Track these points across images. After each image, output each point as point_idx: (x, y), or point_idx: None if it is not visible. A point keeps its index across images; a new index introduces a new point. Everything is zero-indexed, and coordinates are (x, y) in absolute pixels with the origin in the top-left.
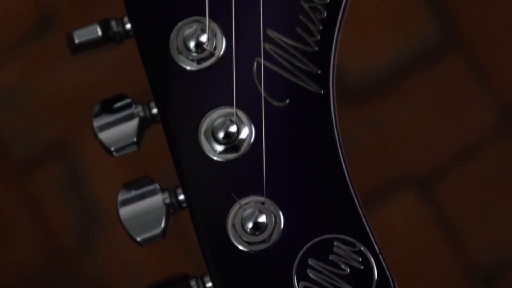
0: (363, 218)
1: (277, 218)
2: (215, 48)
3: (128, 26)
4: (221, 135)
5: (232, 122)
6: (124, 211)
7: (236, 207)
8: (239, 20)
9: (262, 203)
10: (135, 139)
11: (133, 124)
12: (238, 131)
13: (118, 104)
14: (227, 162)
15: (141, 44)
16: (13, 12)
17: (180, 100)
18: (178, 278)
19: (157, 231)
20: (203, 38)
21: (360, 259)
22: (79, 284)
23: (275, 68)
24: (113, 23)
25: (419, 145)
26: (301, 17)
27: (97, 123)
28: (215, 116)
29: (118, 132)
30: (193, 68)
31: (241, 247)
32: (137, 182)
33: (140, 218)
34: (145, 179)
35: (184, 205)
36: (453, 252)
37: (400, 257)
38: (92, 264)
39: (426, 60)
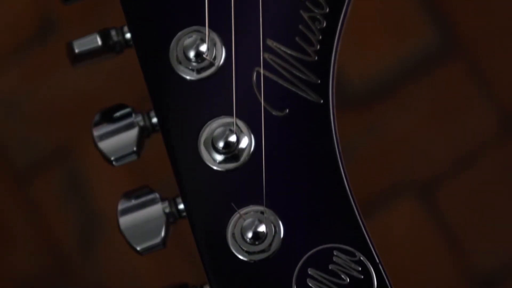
0: (363, 228)
1: (276, 227)
2: (214, 58)
3: (128, 35)
4: (221, 144)
5: (232, 132)
6: (124, 220)
7: (235, 216)
8: (239, 30)
9: (262, 212)
10: (135, 149)
11: (133, 133)
12: (238, 140)
13: (118, 114)
14: (227, 171)
15: (141, 54)
16: (14, 18)
17: (180, 110)
18: (178, 286)
19: (157, 240)
20: (203, 47)
21: (360, 268)
22: None
23: (274, 78)
24: (113, 32)
25: (420, 151)
26: (300, 26)
27: (97, 132)
28: (215, 126)
29: (118, 141)
30: (192, 78)
31: (240, 257)
32: (137, 191)
33: (140, 227)
34: (145, 189)
35: (184, 214)
36: (453, 258)
37: (400, 263)
38: (92, 269)
39: (426, 66)
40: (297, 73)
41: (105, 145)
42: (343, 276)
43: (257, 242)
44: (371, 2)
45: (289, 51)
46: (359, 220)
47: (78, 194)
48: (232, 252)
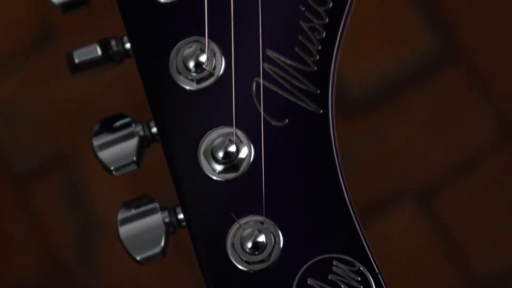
0: (362, 238)
1: (276, 237)
2: (214, 68)
3: (128, 45)
4: (220, 154)
5: (231, 142)
6: (124, 230)
7: (235, 226)
8: (239, 40)
9: (262, 222)
10: (134, 158)
11: (132, 143)
12: (238, 150)
13: (117, 123)
14: (227, 181)
15: (140, 64)
16: (13, 25)
17: (180, 120)
18: None
19: (156, 250)
20: (203, 58)
21: (359, 278)
22: None
23: (274, 88)
24: (113, 42)
25: (419, 158)
26: (300, 37)
27: (96, 142)
28: (214, 136)
29: (117, 151)
30: (192, 88)
31: (240, 267)
32: (137, 201)
33: (139, 237)
34: (144, 198)
35: (183, 224)
36: (452, 264)
37: (399, 270)
38: (91, 275)
39: (425, 72)
40: (297, 83)
41: (105, 155)
42: (342, 286)
43: (256, 252)
44: (370, 8)
45: (288, 61)
46: (359, 230)
47: (78, 200)
48: (231, 262)
